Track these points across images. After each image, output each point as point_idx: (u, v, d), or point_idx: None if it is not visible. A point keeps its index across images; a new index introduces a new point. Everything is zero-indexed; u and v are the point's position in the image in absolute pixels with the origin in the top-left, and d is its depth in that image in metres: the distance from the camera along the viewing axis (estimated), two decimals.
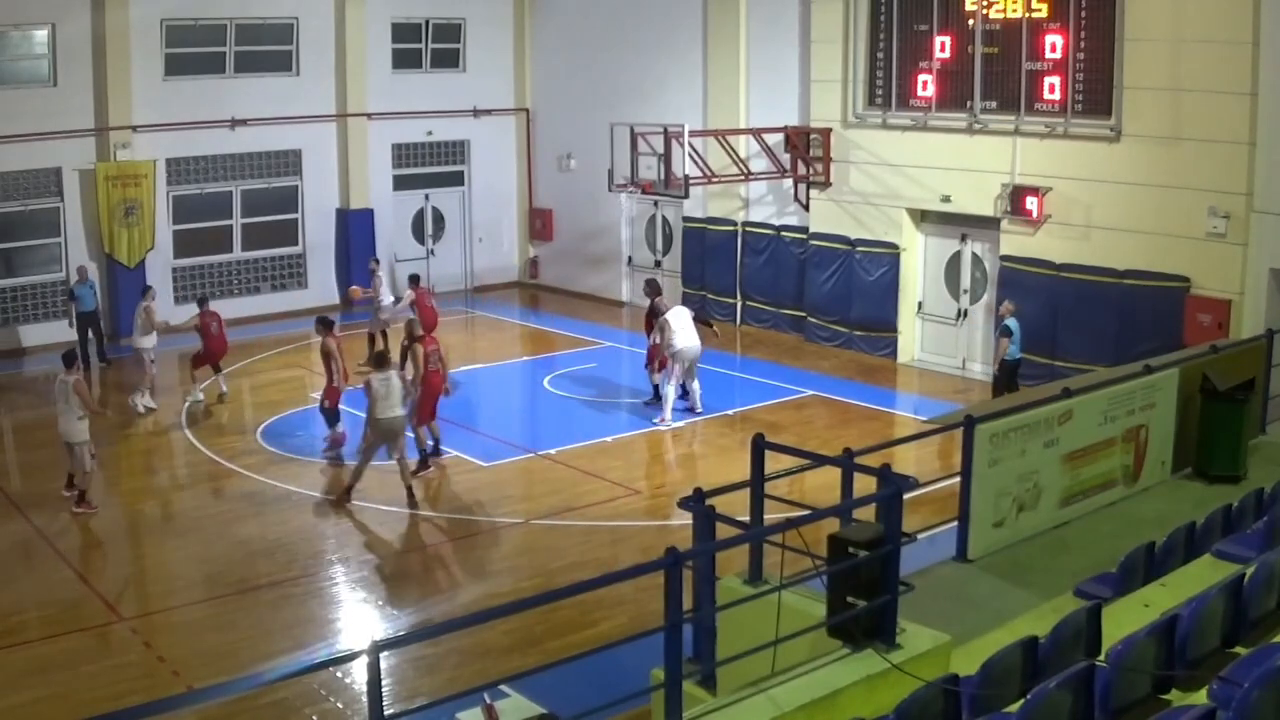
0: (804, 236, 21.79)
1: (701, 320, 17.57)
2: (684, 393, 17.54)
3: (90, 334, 20.58)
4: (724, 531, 7.10)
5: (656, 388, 17.81)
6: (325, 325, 16.55)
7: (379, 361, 14.55)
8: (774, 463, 7.80)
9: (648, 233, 25.48)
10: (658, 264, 25.19)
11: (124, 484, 15.76)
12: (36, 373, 20.47)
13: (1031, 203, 17.97)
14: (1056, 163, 17.80)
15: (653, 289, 18.34)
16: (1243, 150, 15.63)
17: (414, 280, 20.42)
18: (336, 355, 16.21)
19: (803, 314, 22.02)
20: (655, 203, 24.51)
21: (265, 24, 23.82)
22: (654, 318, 17.57)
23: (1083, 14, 17.19)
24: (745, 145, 21.75)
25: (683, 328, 16.95)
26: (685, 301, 24.07)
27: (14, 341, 21.66)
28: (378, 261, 21.97)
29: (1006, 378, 16.55)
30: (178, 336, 21.52)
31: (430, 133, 26.35)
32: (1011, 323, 16.61)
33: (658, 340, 17.21)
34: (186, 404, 18.08)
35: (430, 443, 15.63)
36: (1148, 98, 16.62)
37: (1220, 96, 15.76)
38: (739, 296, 23.22)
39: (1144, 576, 7.94)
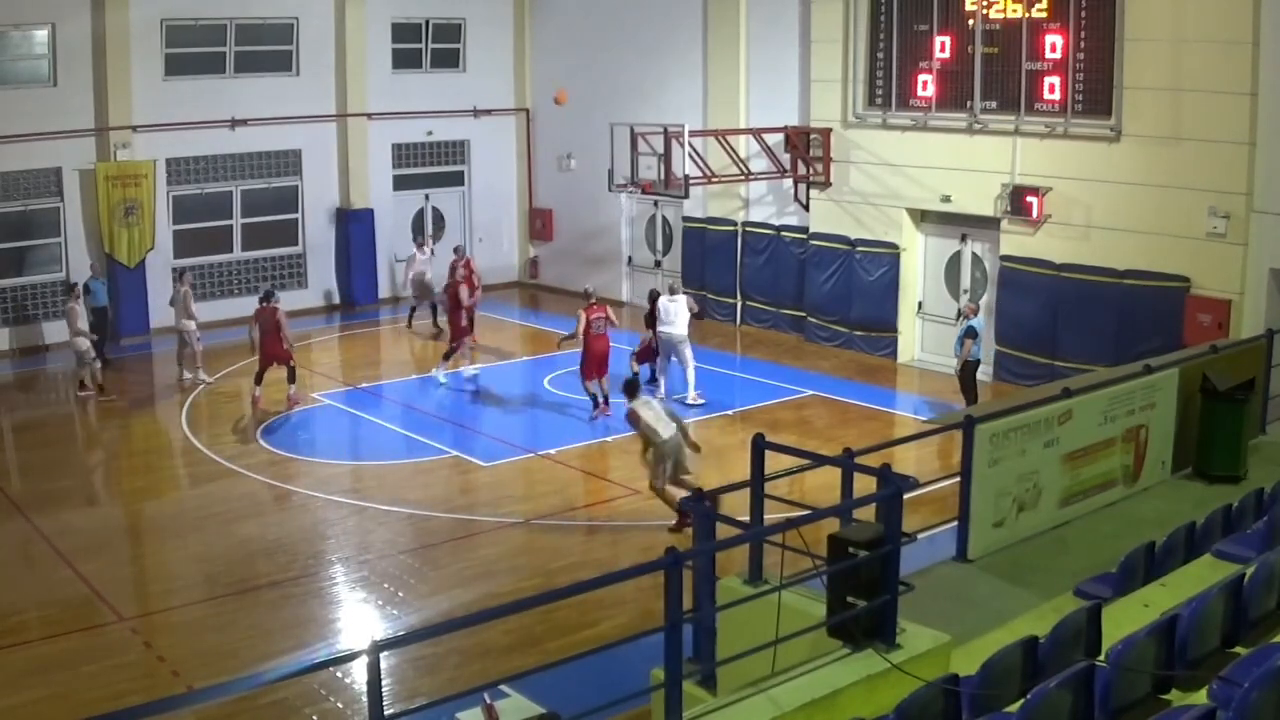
0: (804, 236, 21.79)
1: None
2: (652, 377, 18.30)
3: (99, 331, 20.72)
4: (724, 531, 7.10)
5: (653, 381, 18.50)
6: (268, 296, 18.04)
7: (629, 390, 13.71)
8: (774, 463, 7.80)
9: (648, 233, 25.48)
10: (658, 264, 25.19)
11: (124, 484, 15.77)
12: (37, 372, 20.50)
13: (1031, 203, 17.97)
14: (1056, 163, 17.79)
15: (653, 296, 18.76)
16: (1243, 150, 15.63)
17: (458, 250, 22.20)
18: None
19: (803, 314, 22.02)
20: (655, 203, 24.51)
21: (265, 24, 23.82)
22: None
23: (1083, 14, 17.19)
24: (745, 145, 21.75)
25: (664, 316, 17.76)
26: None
27: (14, 341, 21.64)
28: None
29: (970, 377, 16.82)
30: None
31: (430, 133, 26.36)
32: (977, 322, 16.95)
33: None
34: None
35: (600, 395, 17.34)
36: (1148, 98, 16.62)
37: (1220, 96, 15.76)
38: (739, 296, 23.22)
39: (1144, 576, 7.93)
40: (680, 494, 12.57)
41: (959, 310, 19.81)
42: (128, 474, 16.08)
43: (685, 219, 23.94)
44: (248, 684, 9.22)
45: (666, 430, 13.14)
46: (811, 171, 21.23)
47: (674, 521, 13.19)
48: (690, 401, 17.72)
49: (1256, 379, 11.34)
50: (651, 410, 13.33)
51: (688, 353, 17.99)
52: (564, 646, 10.19)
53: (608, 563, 12.35)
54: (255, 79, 23.68)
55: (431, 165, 26.85)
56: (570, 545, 13.20)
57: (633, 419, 13.29)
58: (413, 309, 23.85)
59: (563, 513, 13.97)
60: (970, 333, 16.74)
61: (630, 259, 25.80)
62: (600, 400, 17.35)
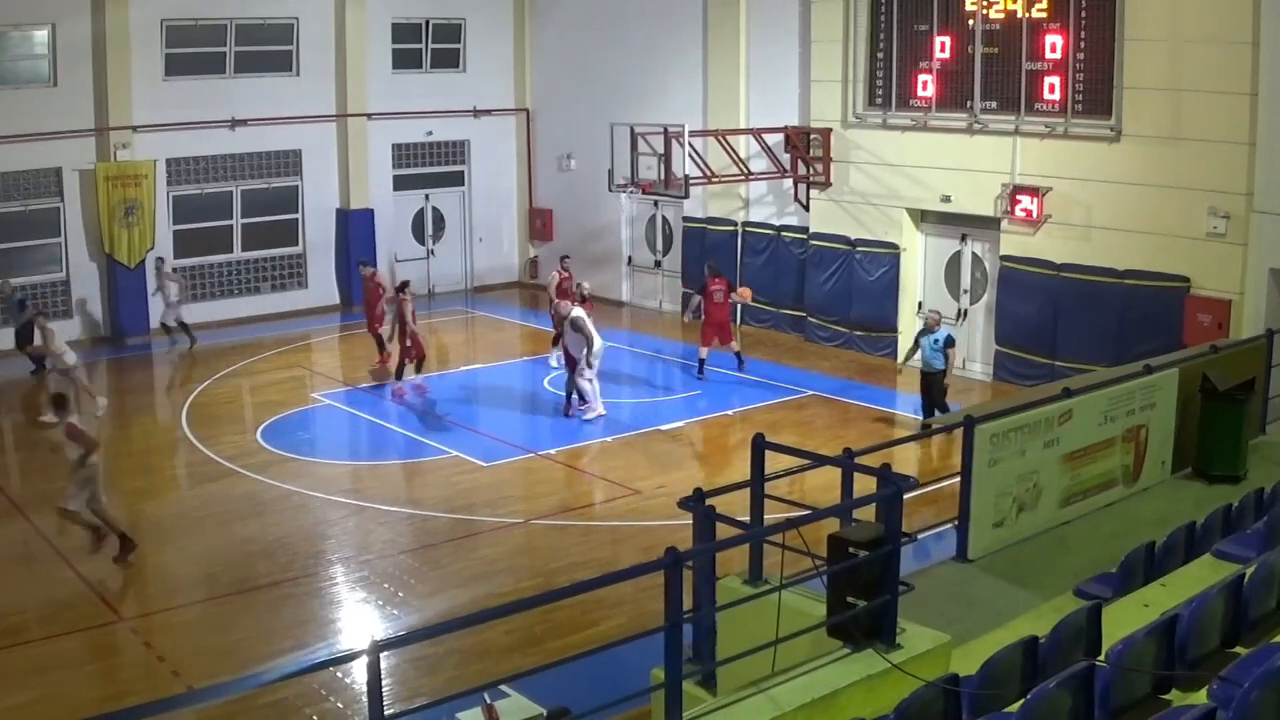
0: (804, 236, 21.79)
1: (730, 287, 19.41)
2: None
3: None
4: (724, 531, 7.10)
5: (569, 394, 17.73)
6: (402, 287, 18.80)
7: (58, 403, 12.82)
8: (774, 463, 7.80)
9: (648, 233, 25.49)
10: (657, 264, 25.21)
11: (124, 484, 15.73)
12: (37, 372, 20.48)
13: (1031, 203, 17.98)
14: (1056, 163, 17.79)
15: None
16: (1243, 150, 15.63)
17: (364, 263, 21.51)
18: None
19: (803, 314, 22.02)
20: (655, 203, 24.51)
21: (265, 24, 23.82)
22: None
23: (1083, 14, 17.19)
24: (745, 145, 21.75)
25: (592, 330, 17.28)
26: (685, 299, 24.17)
27: (14, 341, 21.59)
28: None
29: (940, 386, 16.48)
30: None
31: (430, 133, 26.36)
32: (952, 332, 16.88)
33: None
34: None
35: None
36: (1148, 98, 16.62)
37: (1220, 96, 15.76)
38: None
39: (1144, 576, 7.93)
40: (93, 520, 12.38)
41: (959, 310, 19.83)
42: (128, 474, 16.05)
43: (685, 219, 23.94)
44: (248, 684, 9.22)
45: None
46: (811, 171, 21.23)
47: (92, 542, 12.48)
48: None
49: (1256, 379, 11.34)
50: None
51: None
52: (564, 646, 10.20)
53: (608, 563, 12.35)
54: (255, 79, 23.68)
55: (431, 165, 26.84)
56: (570, 545, 13.20)
57: (75, 434, 12.42)
58: (190, 338, 21.72)
59: (563, 513, 13.97)
60: (950, 341, 16.42)
61: (630, 259, 25.80)
62: (568, 400, 17.54)
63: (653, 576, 5.83)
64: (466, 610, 10.18)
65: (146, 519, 14.40)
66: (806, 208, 21.81)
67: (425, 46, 26.15)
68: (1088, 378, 11.81)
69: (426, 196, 26.76)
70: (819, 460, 8.21)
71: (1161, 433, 10.60)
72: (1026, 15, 17.71)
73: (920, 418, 16.79)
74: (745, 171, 21.39)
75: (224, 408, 18.40)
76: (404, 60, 25.87)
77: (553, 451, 16.16)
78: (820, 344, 21.53)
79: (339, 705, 9.63)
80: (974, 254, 19.69)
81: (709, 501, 7.23)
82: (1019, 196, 18.10)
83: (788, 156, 21.35)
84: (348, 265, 25.16)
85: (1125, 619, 6.79)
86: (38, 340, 18.52)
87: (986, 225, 19.05)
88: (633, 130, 19.68)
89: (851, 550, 6.37)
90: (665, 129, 19.33)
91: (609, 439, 16.71)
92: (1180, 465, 10.85)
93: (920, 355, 16.51)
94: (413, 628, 10.58)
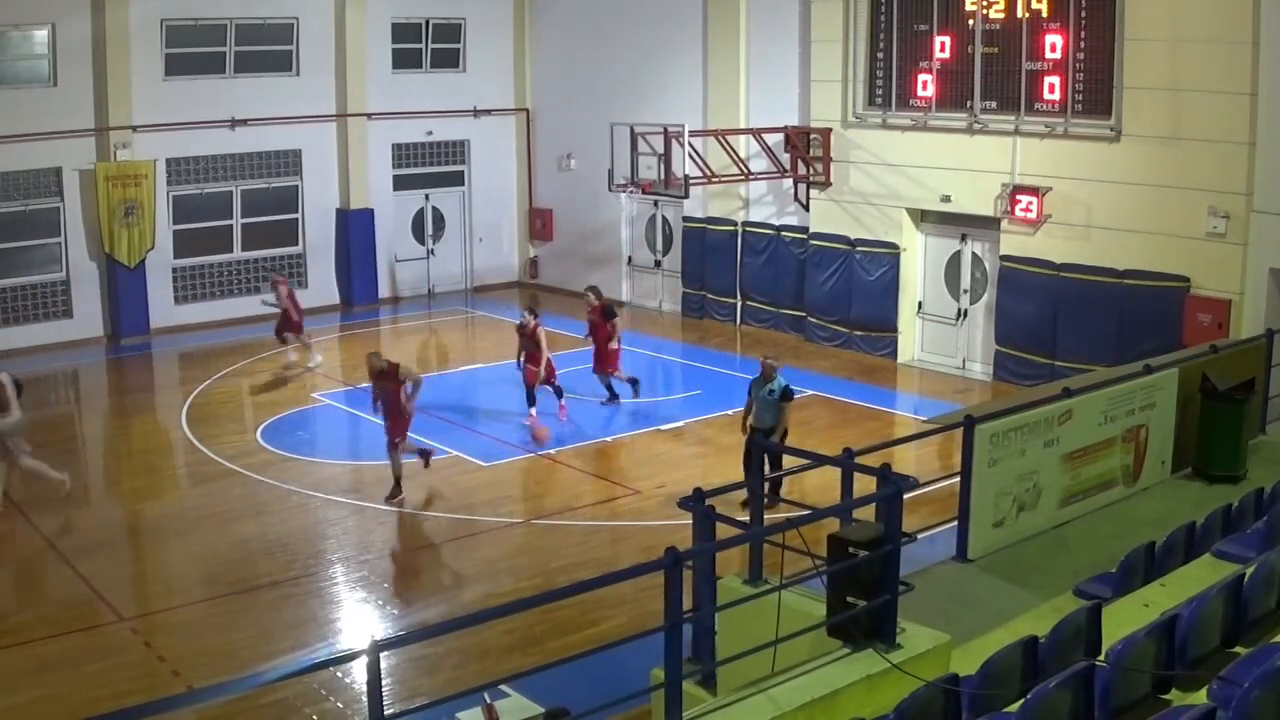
0: (804, 236, 21.79)
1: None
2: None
3: None
4: (724, 531, 7.10)
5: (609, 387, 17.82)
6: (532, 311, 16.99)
7: None
8: None
9: (648, 233, 25.49)
10: (657, 264, 25.21)
11: (124, 484, 15.76)
12: (36, 373, 20.49)
13: (1031, 203, 17.98)
14: (1056, 163, 17.79)
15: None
16: (1243, 150, 15.63)
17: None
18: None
19: (803, 314, 22.02)
20: (655, 203, 24.51)
21: (265, 24, 23.82)
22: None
23: (1083, 14, 17.19)
24: (745, 145, 21.75)
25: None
26: (687, 301, 24.17)
27: (14, 342, 21.62)
28: None
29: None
30: (185, 334, 21.63)
31: (430, 133, 26.36)
32: (790, 384, 13.83)
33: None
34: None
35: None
36: (1148, 98, 16.62)
37: (1220, 96, 15.76)
38: (739, 296, 23.22)
39: (1144, 576, 7.94)
40: None
41: (959, 310, 19.81)
42: (128, 474, 16.07)
43: (685, 219, 23.94)
44: (248, 684, 9.22)
45: None
46: (811, 171, 21.23)
47: None
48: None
49: (1256, 379, 11.35)
50: None
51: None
52: (564, 646, 10.20)
53: (608, 563, 12.34)
54: (255, 79, 23.68)
55: (431, 165, 26.84)
56: (570, 545, 13.19)
57: None
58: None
59: (563, 513, 13.97)
60: (787, 394, 13.46)
61: (630, 259, 25.80)
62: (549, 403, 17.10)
63: (653, 576, 5.83)
64: (466, 610, 10.21)
65: (146, 519, 14.43)
66: (806, 208, 21.81)
67: (425, 46, 26.15)
68: (1088, 378, 11.81)
69: (426, 196, 26.75)
70: (819, 460, 8.21)
71: (1161, 433, 10.60)
72: (1026, 15, 17.71)
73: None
74: (745, 171, 21.39)
75: (224, 408, 18.40)
76: (404, 60, 25.87)
77: (553, 451, 16.16)
78: (820, 344, 21.52)
79: (339, 705, 9.63)
80: (974, 254, 19.69)
81: (709, 501, 7.24)
82: (1019, 196, 18.12)
83: (788, 156, 21.35)
84: (348, 265, 25.18)
85: (1125, 619, 6.79)
86: None
87: (986, 225, 19.05)
88: (633, 130, 19.68)
89: (851, 550, 6.37)
90: (665, 129, 19.34)
91: (609, 439, 16.70)
92: (1180, 465, 10.86)
93: (755, 410, 13.52)
94: (413, 628, 10.58)
